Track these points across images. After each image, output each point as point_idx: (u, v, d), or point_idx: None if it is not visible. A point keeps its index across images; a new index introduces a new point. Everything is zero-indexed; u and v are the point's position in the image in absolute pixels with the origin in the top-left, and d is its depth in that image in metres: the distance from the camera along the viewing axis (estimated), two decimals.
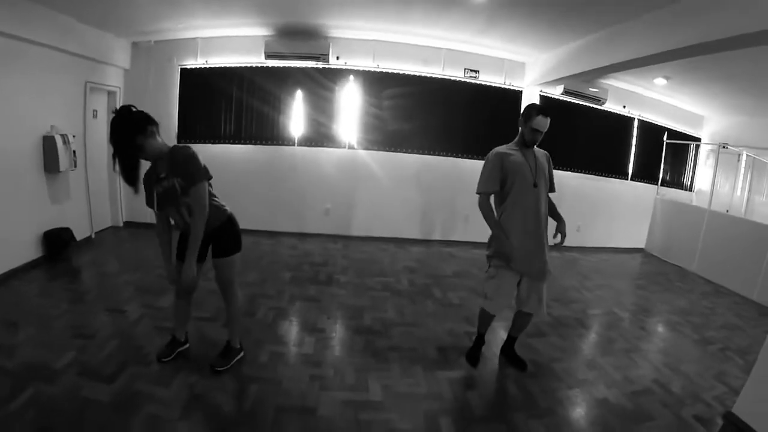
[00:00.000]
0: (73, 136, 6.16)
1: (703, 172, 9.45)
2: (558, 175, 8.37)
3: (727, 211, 8.02)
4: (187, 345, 3.77)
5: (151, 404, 3.04)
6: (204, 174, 3.07)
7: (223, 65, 7.52)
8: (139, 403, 3.04)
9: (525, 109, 3.58)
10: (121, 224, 7.74)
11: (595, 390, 3.64)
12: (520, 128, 3.59)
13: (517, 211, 3.50)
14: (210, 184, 3.24)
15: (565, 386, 3.67)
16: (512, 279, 3.56)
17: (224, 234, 3.36)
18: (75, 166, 6.23)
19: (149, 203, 3.19)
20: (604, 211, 8.82)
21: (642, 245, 9.14)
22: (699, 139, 9.34)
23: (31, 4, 5.16)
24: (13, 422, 2.76)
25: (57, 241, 5.86)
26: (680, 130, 9.11)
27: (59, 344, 3.73)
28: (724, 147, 8.01)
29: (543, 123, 3.46)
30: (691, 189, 9.54)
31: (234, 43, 7.42)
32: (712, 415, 3.40)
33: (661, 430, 3.17)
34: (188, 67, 7.59)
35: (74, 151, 6.14)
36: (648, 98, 8.63)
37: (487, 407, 3.31)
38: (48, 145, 5.76)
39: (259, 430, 2.88)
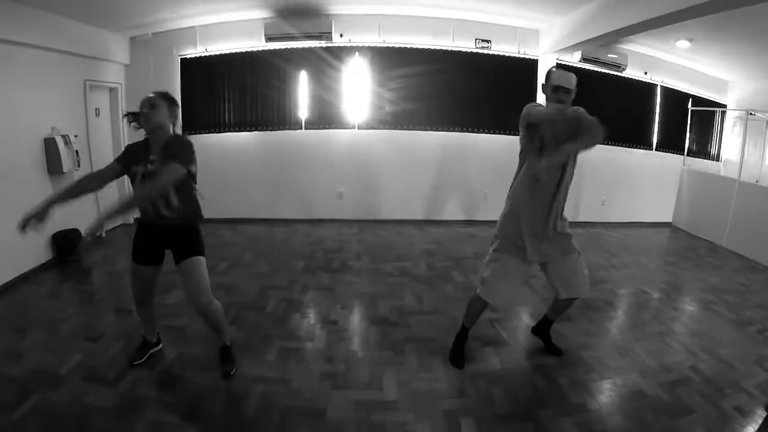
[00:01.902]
0: (75, 136, 6.09)
1: (729, 141, 8.99)
2: None
3: (757, 181, 7.63)
4: (160, 346, 3.65)
5: (154, 409, 2.94)
6: (188, 162, 2.85)
7: (223, 51, 7.33)
8: (143, 409, 2.94)
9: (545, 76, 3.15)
10: (132, 221, 7.58)
11: (629, 380, 3.38)
12: (545, 95, 3.13)
13: (531, 185, 3.11)
14: (194, 185, 3.10)
15: (597, 377, 3.42)
16: (516, 267, 3.25)
17: (190, 236, 3.19)
18: (78, 166, 6.13)
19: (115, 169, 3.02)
20: (628, 184, 8.49)
21: (669, 219, 8.78)
22: (725, 106, 8.89)
23: (19, 7, 5.03)
24: (17, 431, 2.72)
25: (66, 243, 5.81)
26: (705, 97, 8.68)
27: (66, 348, 3.66)
28: (751, 114, 7.62)
29: (565, 77, 2.97)
30: (718, 159, 9.08)
31: (233, 28, 7.22)
32: (754, 406, 3.13)
33: (701, 424, 2.90)
34: (188, 56, 7.41)
35: (77, 151, 6.06)
36: (670, 63, 8.21)
37: (513, 404, 3.07)
38: (50, 147, 5.70)
39: None
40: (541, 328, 3.80)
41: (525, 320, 4.30)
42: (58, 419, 2.82)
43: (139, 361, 3.44)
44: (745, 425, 2.93)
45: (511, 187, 3.29)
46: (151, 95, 2.97)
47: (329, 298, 4.72)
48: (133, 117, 3.05)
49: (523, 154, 3.19)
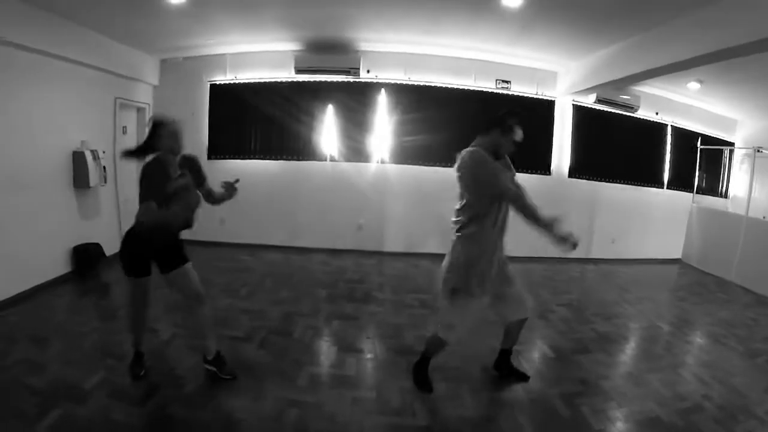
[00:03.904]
0: (103, 152, 6.24)
1: (737, 178, 9.20)
2: (593, 185, 8.22)
3: (765, 217, 7.79)
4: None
5: (187, 429, 3.03)
6: None
7: (252, 80, 7.58)
8: (173, 428, 3.03)
9: (500, 118, 3.27)
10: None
11: (645, 408, 3.53)
12: (491, 137, 3.25)
13: (492, 228, 3.22)
14: None
15: (616, 405, 3.56)
16: (478, 306, 3.39)
17: (182, 244, 3.53)
18: (105, 182, 6.29)
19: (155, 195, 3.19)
20: (639, 221, 8.64)
21: (678, 255, 8.91)
22: (733, 144, 9.12)
23: (63, 21, 5.30)
24: None
25: (86, 257, 5.92)
26: (714, 135, 8.92)
27: (89, 363, 3.73)
28: (758, 151, 7.83)
29: (521, 135, 3.24)
30: (726, 195, 9.28)
31: (263, 58, 7.48)
32: (766, 431, 3.30)
33: None
34: (217, 82, 7.66)
35: (104, 167, 6.20)
36: (680, 104, 8.46)
37: (540, 430, 3.22)
38: (78, 160, 5.82)
39: None
40: (501, 362, 3.90)
41: (545, 351, 4.46)
42: None
43: (144, 371, 3.61)
44: None
45: (460, 238, 3.33)
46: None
47: (354, 327, 4.82)
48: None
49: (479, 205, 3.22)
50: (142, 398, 3.30)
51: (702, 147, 8.69)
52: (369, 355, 4.24)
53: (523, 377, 3.84)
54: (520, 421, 3.30)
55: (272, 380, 3.64)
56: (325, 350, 4.33)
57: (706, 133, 8.80)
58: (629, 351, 4.74)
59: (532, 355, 4.37)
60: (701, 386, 3.92)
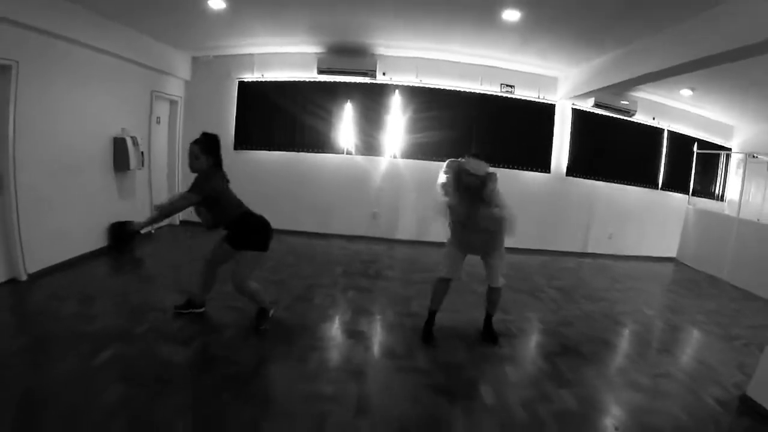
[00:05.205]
0: (141, 139, 6.82)
1: (734, 182, 9.41)
2: (590, 184, 8.61)
3: (758, 219, 8.06)
4: (203, 309, 4.46)
5: (226, 364, 3.54)
6: (200, 190, 3.86)
7: (278, 79, 8.17)
8: (214, 364, 3.55)
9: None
10: (178, 223, 8.38)
11: (619, 370, 4.01)
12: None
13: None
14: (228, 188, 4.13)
15: (593, 365, 4.05)
16: (458, 254, 4.32)
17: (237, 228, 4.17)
18: (143, 166, 6.90)
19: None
20: (635, 219, 9.00)
21: (674, 254, 9.22)
22: (729, 149, 9.40)
23: (109, 21, 5.86)
24: (97, 375, 3.20)
25: (122, 232, 6.44)
26: (711, 141, 9.23)
27: (135, 315, 4.27)
28: (753, 157, 8.17)
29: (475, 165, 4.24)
30: (722, 199, 9.57)
31: (288, 59, 8.05)
32: (731, 399, 3.58)
33: (681, 407, 3.40)
34: (245, 80, 8.25)
35: (142, 153, 6.79)
36: (677, 109, 8.82)
37: (521, 377, 3.74)
38: (119, 145, 6.40)
39: (322, 387, 3.33)
40: (486, 326, 4.51)
41: (534, 322, 5.02)
42: (136, 367, 3.34)
43: (184, 310, 4.34)
44: (719, 411, 3.44)
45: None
46: (191, 144, 3.89)
47: (368, 296, 5.39)
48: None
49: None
50: (186, 341, 3.84)
51: (698, 151, 9.02)
52: (379, 317, 4.81)
53: (493, 338, 4.38)
54: (506, 370, 3.83)
55: (297, 333, 4.21)
56: (342, 313, 4.89)
57: (703, 138, 9.16)
58: (611, 327, 5.11)
59: (522, 325, 4.89)
60: (676, 359, 4.40)
